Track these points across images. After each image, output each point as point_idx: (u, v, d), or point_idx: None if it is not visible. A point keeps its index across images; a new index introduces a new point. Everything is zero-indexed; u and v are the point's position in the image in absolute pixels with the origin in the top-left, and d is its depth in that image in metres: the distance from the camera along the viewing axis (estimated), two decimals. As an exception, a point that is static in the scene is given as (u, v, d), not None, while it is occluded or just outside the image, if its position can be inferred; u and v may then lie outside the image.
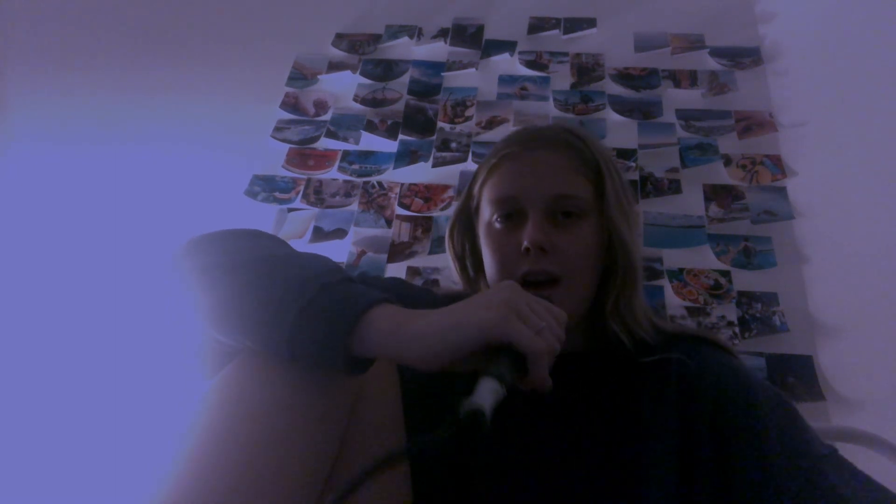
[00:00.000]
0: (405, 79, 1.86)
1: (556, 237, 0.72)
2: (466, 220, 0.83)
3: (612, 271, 0.75)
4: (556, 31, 1.90)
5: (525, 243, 0.70)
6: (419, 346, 0.50)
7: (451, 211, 1.04)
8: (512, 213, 0.74)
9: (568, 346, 0.72)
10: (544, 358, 0.50)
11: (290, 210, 1.64)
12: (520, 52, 1.87)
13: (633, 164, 1.61)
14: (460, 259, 0.85)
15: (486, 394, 0.45)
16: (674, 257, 1.48)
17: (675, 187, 1.58)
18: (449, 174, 1.66)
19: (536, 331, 0.51)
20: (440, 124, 1.75)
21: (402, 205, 1.62)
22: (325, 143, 1.76)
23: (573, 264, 0.71)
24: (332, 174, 1.70)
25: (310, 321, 0.51)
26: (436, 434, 0.43)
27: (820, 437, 0.66)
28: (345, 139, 1.76)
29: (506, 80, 1.83)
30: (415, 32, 1.95)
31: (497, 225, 0.75)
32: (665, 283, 1.44)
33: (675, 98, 1.74)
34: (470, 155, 1.67)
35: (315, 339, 0.51)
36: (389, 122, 1.78)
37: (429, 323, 0.51)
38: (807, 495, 0.59)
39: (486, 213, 0.77)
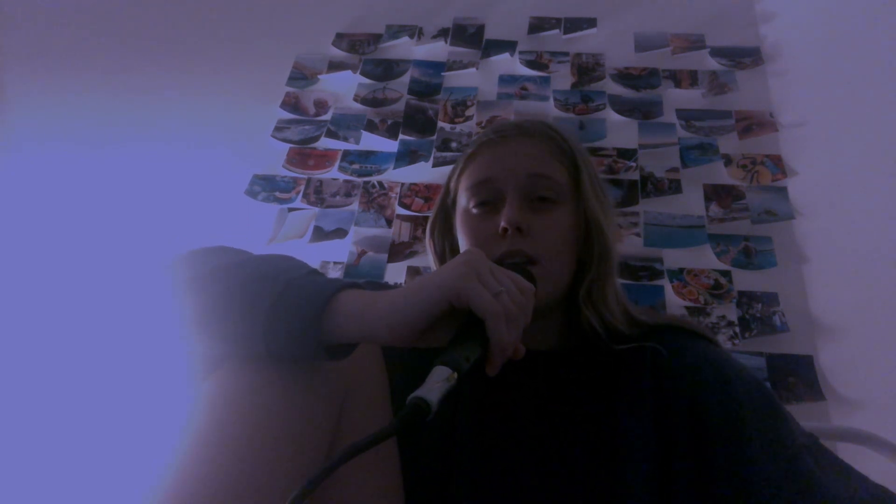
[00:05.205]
0: (405, 79, 1.86)
1: (533, 220, 0.72)
2: (445, 217, 0.83)
3: (588, 261, 0.75)
4: (556, 31, 1.90)
5: (502, 224, 0.70)
6: (389, 320, 0.50)
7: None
8: (488, 200, 0.75)
9: (544, 344, 0.73)
10: (500, 320, 0.49)
11: (291, 210, 1.64)
12: (520, 52, 1.87)
13: (634, 164, 1.61)
14: (441, 258, 0.85)
15: (435, 383, 0.47)
16: (674, 257, 1.48)
17: (675, 187, 1.58)
18: (449, 174, 1.66)
19: (494, 293, 0.50)
20: (440, 124, 1.75)
21: (402, 204, 1.62)
22: (325, 143, 1.76)
23: (550, 247, 0.71)
24: (333, 174, 1.70)
25: (280, 316, 0.51)
26: (383, 429, 0.45)
27: (800, 426, 0.66)
28: (345, 139, 1.76)
29: (506, 79, 1.83)
30: (415, 32, 1.95)
31: (474, 211, 0.76)
32: (665, 282, 1.44)
33: (676, 98, 1.74)
34: (470, 155, 1.67)
35: (288, 333, 0.51)
36: (390, 121, 1.78)
37: (394, 296, 0.52)
38: (786, 483, 0.59)
39: (463, 201, 0.77)
